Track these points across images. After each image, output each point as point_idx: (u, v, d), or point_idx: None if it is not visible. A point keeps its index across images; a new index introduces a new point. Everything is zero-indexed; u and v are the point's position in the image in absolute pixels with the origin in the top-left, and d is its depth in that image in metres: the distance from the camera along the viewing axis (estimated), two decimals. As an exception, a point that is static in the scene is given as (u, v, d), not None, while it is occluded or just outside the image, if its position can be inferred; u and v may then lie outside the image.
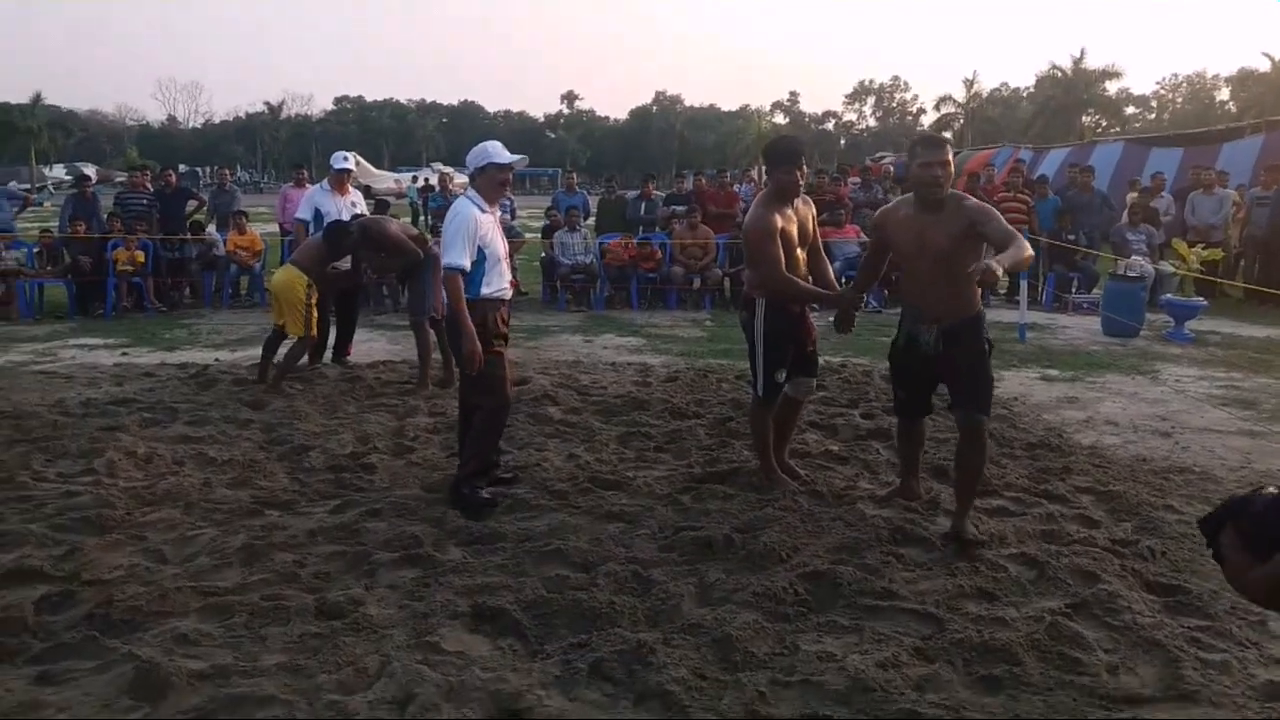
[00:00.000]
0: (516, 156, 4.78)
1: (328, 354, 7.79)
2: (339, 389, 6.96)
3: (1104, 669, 3.07)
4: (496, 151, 4.71)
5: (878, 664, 3.07)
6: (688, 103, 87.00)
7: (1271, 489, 1.44)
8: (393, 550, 3.99)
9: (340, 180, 8.11)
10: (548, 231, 13.16)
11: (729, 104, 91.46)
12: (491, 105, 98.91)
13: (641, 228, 13.27)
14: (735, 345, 9.33)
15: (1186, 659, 3.11)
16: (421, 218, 20.18)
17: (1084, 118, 58.45)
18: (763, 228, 4.55)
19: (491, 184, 4.71)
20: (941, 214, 4.05)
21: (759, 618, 3.42)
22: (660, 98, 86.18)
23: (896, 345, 4.36)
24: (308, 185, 11.56)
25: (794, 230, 4.64)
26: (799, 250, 4.69)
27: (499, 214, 4.92)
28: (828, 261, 5.03)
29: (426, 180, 27.53)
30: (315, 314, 7.07)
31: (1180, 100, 72.45)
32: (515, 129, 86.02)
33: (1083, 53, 58.77)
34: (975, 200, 4.14)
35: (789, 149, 4.76)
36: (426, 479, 4.98)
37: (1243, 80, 59.90)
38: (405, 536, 4.10)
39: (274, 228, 14.36)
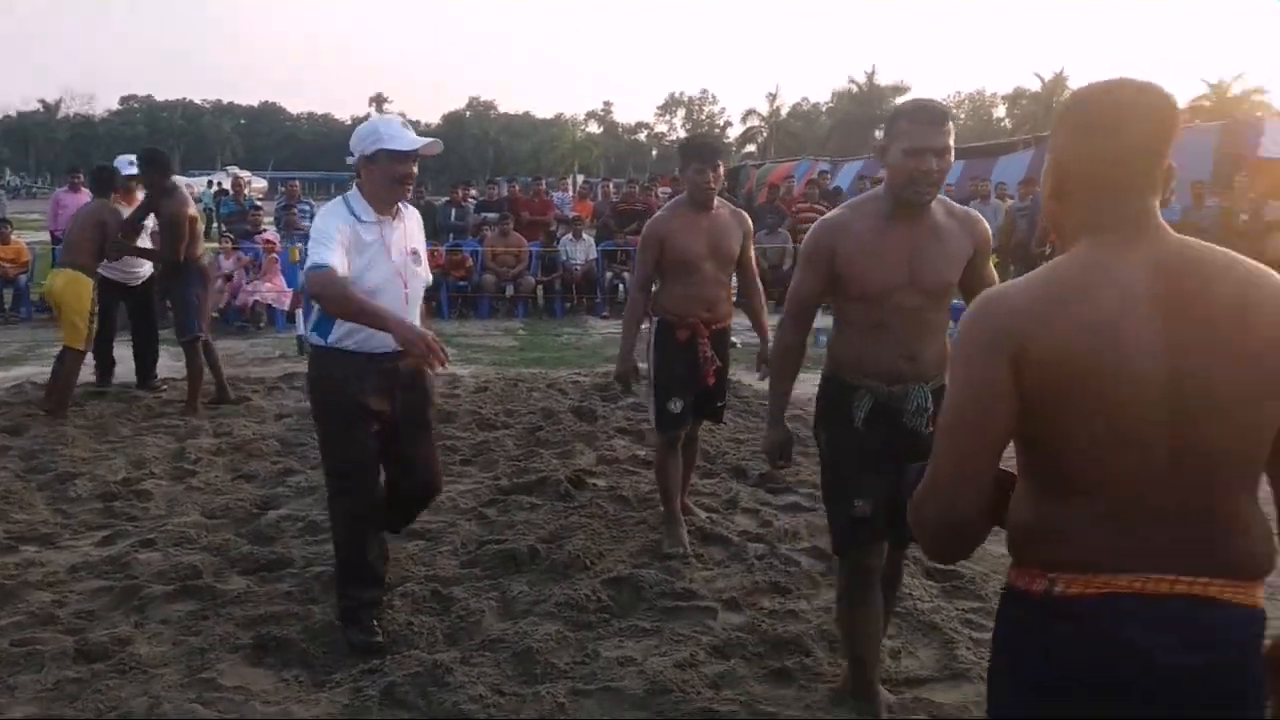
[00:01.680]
0: (423, 141, 3.19)
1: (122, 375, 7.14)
2: (112, 410, 6.41)
3: (888, 654, 3.21)
4: (393, 133, 3.13)
5: (676, 664, 3.10)
6: (502, 109, 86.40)
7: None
8: (167, 583, 3.70)
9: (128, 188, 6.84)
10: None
11: (544, 112, 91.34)
12: (294, 107, 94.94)
13: (452, 235, 13.03)
14: (548, 354, 9.31)
15: (960, 639, 3.31)
16: (215, 224, 19.02)
17: (877, 132, 62.15)
18: (645, 232, 4.14)
19: (383, 181, 3.14)
20: (937, 226, 2.66)
21: (561, 628, 3.38)
22: (474, 103, 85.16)
23: (847, 428, 2.71)
24: (84, 190, 10.62)
25: (699, 243, 4.04)
26: (708, 264, 4.07)
27: (402, 229, 3.28)
28: (761, 295, 4.36)
29: (219, 184, 25.97)
30: (95, 325, 6.44)
31: (963, 116, 78.20)
32: (321, 132, 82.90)
33: (874, 69, 62.68)
34: (962, 208, 2.81)
35: (703, 145, 4.23)
36: (209, 505, 4.65)
37: (1016, 98, 65.43)
38: (182, 567, 3.81)
39: (45, 235, 13.19)
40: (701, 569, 3.91)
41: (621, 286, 12.29)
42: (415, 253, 3.34)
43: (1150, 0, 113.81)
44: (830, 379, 2.79)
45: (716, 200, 4.14)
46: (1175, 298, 1.35)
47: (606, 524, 4.38)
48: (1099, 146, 1.42)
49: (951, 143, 2.57)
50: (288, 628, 3.33)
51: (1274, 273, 1.40)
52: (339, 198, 3.28)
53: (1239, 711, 1.38)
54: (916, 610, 3.51)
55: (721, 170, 4.17)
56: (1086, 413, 1.34)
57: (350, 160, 3.24)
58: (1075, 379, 1.34)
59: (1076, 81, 60.47)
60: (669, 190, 15.26)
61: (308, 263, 3.05)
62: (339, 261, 3.01)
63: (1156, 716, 1.36)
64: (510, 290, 12.20)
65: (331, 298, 3.00)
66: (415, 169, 3.23)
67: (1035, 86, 60.59)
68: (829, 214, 2.81)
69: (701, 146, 4.19)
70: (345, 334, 3.16)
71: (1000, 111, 71.79)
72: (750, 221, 4.29)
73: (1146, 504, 1.36)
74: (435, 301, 12.07)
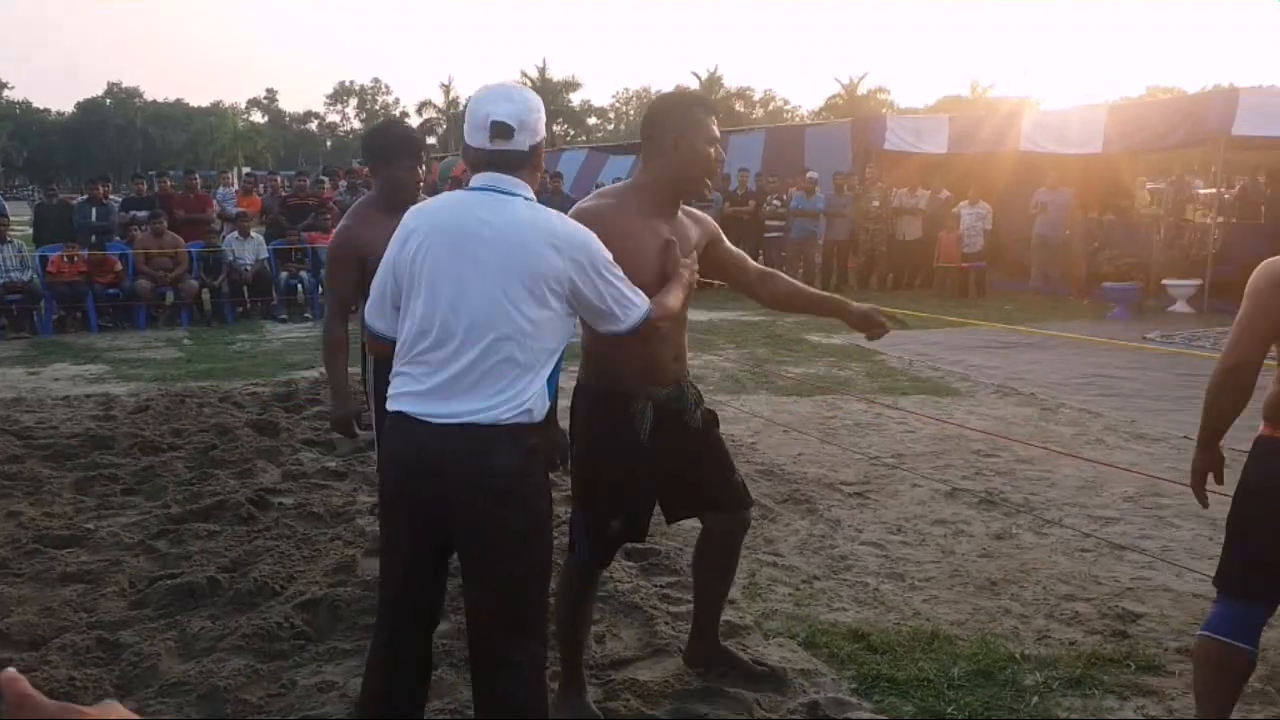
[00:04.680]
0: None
1: None
2: None
3: (592, 639, 3.30)
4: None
5: (381, 683, 2.99)
6: (149, 96, 78.43)
7: None
8: None
9: None
10: (-32, 245, 11.01)
11: (199, 99, 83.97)
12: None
13: (95, 237, 11.67)
14: (219, 364, 8.62)
15: (659, 616, 3.47)
16: None
17: (555, 126, 63.44)
18: (335, 244, 3.43)
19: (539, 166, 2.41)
20: (679, 222, 2.70)
21: (251, 660, 3.16)
22: (114, 90, 76.68)
23: (628, 445, 2.61)
24: None
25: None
26: None
27: None
28: None
29: None
30: None
31: (632, 113, 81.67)
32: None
33: (545, 63, 63.83)
34: (688, 207, 2.85)
35: (409, 137, 3.58)
36: None
37: (678, 96, 69.35)
38: None
39: None
40: (403, 578, 3.81)
41: (301, 287, 11.65)
42: None
43: (790, 4, 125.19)
44: (601, 391, 2.63)
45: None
46: None
47: (296, 544, 4.14)
48: None
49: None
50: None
51: None
52: (531, 202, 2.26)
53: None
54: (618, 592, 3.64)
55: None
56: None
57: (525, 144, 2.28)
58: None
59: (730, 80, 65.44)
60: (345, 184, 14.60)
61: (636, 313, 2.28)
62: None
63: None
64: (170, 296, 11.15)
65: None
66: None
67: (694, 84, 64.52)
68: (585, 203, 2.67)
69: (409, 138, 3.62)
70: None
71: (666, 107, 75.62)
72: None
73: None
74: (81, 311, 10.82)
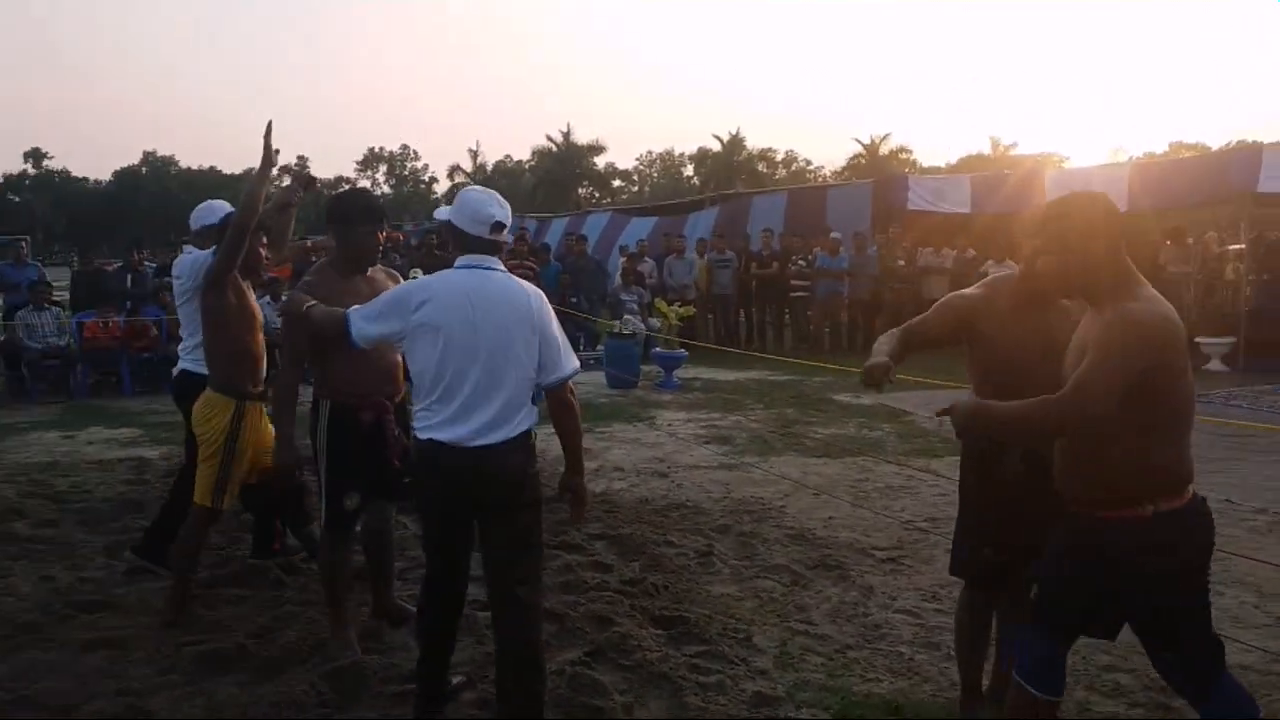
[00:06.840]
0: None
1: None
2: None
3: (620, 710, 3.25)
4: None
5: (408, 754, 2.96)
6: (184, 164, 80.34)
7: None
8: None
9: None
10: (9, 312, 11.28)
11: (231, 166, 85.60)
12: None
13: (130, 303, 11.90)
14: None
15: (688, 685, 3.41)
16: None
17: (580, 190, 64.21)
18: (287, 299, 3.68)
19: None
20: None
21: (277, 730, 3.14)
22: (150, 158, 78.70)
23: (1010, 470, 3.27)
24: None
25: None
26: None
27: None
28: None
29: None
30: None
31: (656, 175, 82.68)
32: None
33: (570, 127, 64.68)
34: None
35: (370, 205, 3.84)
36: None
37: (701, 158, 70.16)
38: None
39: None
40: (431, 646, 3.77)
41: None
42: None
43: (810, 66, 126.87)
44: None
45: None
46: None
47: (324, 610, 4.12)
48: None
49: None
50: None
51: None
52: (506, 273, 3.12)
53: None
54: (646, 661, 3.58)
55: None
56: None
57: (509, 237, 3.42)
58: None
59: (753, 141, 66.12)
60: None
61: (569, 365, 3.10)
62: None
63: None
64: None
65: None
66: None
67: (716, 147, 65.32)
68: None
69: (370, 205, 3.85)
70: None
71: (689, 170, 76.50)
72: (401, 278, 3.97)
73: None
74: (115, 376, 10.99)
